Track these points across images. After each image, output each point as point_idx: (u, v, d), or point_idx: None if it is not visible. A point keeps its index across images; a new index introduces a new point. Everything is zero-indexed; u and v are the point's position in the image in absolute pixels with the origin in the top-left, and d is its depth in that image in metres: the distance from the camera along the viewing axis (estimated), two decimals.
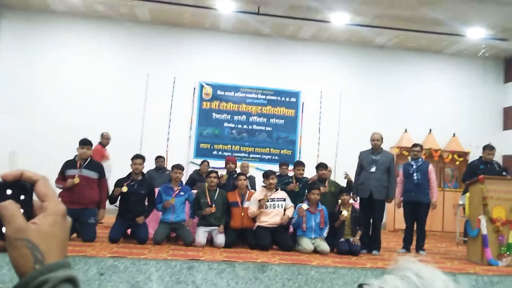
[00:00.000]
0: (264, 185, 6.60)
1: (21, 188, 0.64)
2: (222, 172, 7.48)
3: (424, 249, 6.65)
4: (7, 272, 4.36)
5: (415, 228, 6.77)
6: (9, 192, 0.63)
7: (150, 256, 4.98)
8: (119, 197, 6.15)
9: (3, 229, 0.61)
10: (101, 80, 10.47)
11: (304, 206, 6.24)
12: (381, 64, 11.42)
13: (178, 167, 6.55)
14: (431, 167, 6.80)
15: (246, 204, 6.47)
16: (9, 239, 0.61)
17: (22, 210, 0.62)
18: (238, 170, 7.76)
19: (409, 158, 7.29)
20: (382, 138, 6.69)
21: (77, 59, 10.48)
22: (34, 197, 0.65)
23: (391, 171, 6.57)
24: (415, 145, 6.99)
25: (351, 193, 6.61)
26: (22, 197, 0.63)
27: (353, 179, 6.85)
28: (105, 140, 8.42)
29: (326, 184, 6.87)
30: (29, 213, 0.63)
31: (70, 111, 10.13)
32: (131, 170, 6.29)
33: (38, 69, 10.29)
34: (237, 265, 4.86)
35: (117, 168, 6.84)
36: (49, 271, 0.59)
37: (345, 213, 6.25)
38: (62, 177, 5.89)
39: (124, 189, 6.07)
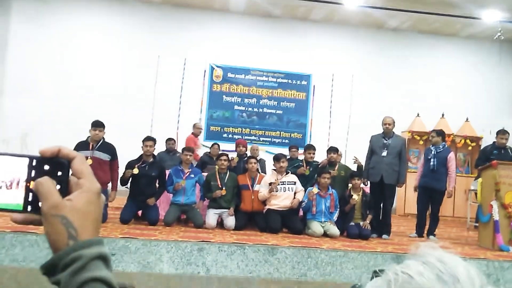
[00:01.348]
0: (275, 168, 6.59)
1: (58, 164, 0.65)
2: (233, 155, 7.48)
3: (435, 234, 6.63)
4: (20, 251, 4.42)
5: (427, 213, 6.75)
6: (46, 167, 0.65)
7: (161, 238, 5.01)
8: (130, 179, 6.18)
9: (40, 204, 0.63)
10: (112, 62, 10.46)
11: (315, 189, 6.23)
12: (394, 47, 11.26)
13: (189, 149, 6.57)
14: (451, 155, 6.69)
15: (256, 187, 6.48)
16: (44, 215, 0.62)
17: (58, 187, 0.64)
18: (248, 153, 7.76)
19: (425, 142, 7.23)
20: (394, 122, 6.62)
21: (87, 41, 10.46)
22: (70, 174, 0.66)
23: (402, 155, 6.52)
24: (432, 130, 6.95)
25: (362, 178, 6.58)
26: (59, 173, 0.65)
27: (363, 164, 6.82)
28: (197, 130, 8.91)
29: (336, 168, 6.83)
30: (65, 189, 0.64)
31: (81, 94, 10.16)
32: (142, 152, 6.31)
33: (48, 52, 10.30)
34: (247, 247, 4.88)
35: (128, 150, 6.86)
36: (82, 247, 0.60)
37: (355, 197, 6.23)
38: None
39: (135, 171, 6.10)
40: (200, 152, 8.75)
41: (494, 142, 7.39)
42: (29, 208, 0.65)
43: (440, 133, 6.88)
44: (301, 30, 11.06)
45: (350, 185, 6.55)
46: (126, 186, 6.32)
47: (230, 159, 6.88)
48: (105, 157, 6.01)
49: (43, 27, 10.37)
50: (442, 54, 11.42)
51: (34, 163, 0.65)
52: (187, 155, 6.47)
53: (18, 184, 0.65)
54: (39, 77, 10.17)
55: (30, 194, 0.64)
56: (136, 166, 6.16)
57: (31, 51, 10.25)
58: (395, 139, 6.57)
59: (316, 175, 6.57)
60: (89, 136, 6.07)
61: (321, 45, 11.05)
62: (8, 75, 10.16)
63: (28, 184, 0.65)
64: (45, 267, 0.61)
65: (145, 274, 4.55)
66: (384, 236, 6.42)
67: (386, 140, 6.52)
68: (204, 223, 6.16)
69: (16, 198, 0.65)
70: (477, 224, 7.19)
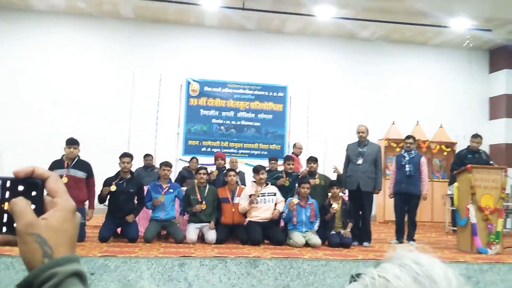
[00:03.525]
0: (254, 180, 6.58)
1: (33, 184, 0.65)
2: (212, 169, 7.45)
3: (414, 240, 6.70)
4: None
5: (405, 219, 6.81)
6: (20, 188, 0.65)
7: (141, 254, 4.94)
8: (108, 196, 6.09)
9: (14, 225, 0.63)
10: (86, 79, 10.34)
11: (295, 200, 6.24)
12: (367, 57, 11.45)
13: (166, 164, 6.51)
14: (423, 160, 6.85)
15: (236, 200, 6.45)
16: (19, 234, 0.62)
17: (33, 206, 0.64)
18: (227, 166, 7.74)
19: (401, 150, 7.31)
20: (367, 130, 6.72)
21: (60, 58, 10.33)
22: (45, 193, 0.67)
23: (378, 162, 6.61)
24: (408, 137, 7.03)
25: (341, 186, 6.62)
26: (33, 193, 0.65)
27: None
28: (297, 150, 8.72)
29: (316, 177, 6.87)
30: (40, 209, 0.65)
31: (56, 111, 10.00)
32: (119, 169, 6.23)
33: (21, 69, 10.13)
34: (229, 260, 4.84)
35: (105, 167, 6.77)
36: (57, 265, 0.60)
37: (335, 206, 6.26)
38: None
39: (113, 188, 6.02)
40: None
41: (468, 146, 7.55)
42: (4, 229, 0.65)
43: (415, 139, 7.05)
44: (276, 42, 11.17)
45: (329, 194, 6.58)
46: (104, 203, 6.22)
47: (209, 172, 6.85)
48: (81, 174, 5.91)
49: (14, 44, 10.21)
50: (414, 62, 11.66)
51: (8, 184, 0.66)
52: (165, 170, 6.42)
53: None
54: (11, 95, 9.99)
55: (5, 215, 0.65)
56: (114, 183, 6.08)
57: (2, 69, 10.07)
58: (370, 147, 6.65)
59: (296, 186, 6.59)
60: (64, 154, 5.97)
61: (296, 56, 11.16)
62: None
63: (2, 206, 0.65)
64: (21, 285, 0.61)
65: None
66: (365, 243, 6.46)
67: (361, 148, 6.61)
68: (184, 238, 6.09)
69: None
70: (455, 228, 7.29)
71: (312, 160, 7.02)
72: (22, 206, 0.63)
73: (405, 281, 0.64)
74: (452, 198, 7.15)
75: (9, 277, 4.32)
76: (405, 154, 6.83)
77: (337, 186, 6.47)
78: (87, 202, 6.00)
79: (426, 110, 11.20)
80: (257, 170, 6.57)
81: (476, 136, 7.40)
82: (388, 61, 11.54)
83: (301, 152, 8.76)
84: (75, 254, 0.64)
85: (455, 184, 6.61)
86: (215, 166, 7.66)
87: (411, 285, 0.63)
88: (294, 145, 8.91)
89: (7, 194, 0.65)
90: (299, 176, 6.92)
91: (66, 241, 0.64)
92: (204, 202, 6.28)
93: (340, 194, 6.57)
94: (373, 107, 11.01)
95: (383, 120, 10.72)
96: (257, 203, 6.32)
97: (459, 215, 6.43)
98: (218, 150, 10.14)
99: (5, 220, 0.65)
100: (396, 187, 6.79)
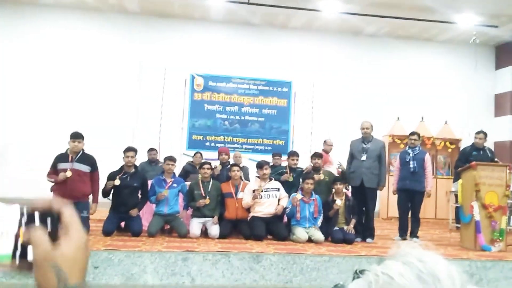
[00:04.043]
0: (258, 175, 6.58)
1: (49, 216, 0.70)
2: (216, 164, 7.45)
3: (418, 236, 6.69)
4: None
5: (409, 215, 6.81)
6: (37, 219, 0.69)
7: (145, 249, 4.96)
8: (112, 190, 6.11)
9: (29, 252, 0.68)
10: (92, 73, 10.35)
11: (298, 196, 6.24)
12: (373, 53, 11.40)
13: (170, 159, 6.52)
14: (427, 156, 6.81)
15: (240, 195, 6.46)
16: (36, 263, 0.67)
17: (48, 236, 0.68)
18: (231, 161, 7.74)
19: (405, 146, 7.29)
20: (372, 127, 6.69)
21: (67, 53, 10.34)
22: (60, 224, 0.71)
23: (381, 158, 6.60)
24: (412, 133, 6.98)
25: (344, 182, 6.62)
26: (49, 224, 0.69)
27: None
28: (328, 147, 8.49)
29: (321, 173, 6.87)
30: (55, 238, 0.69)
31: (60, 105, 10.03)
32: (123, 163, 6.24)
33: (27, 63, 10.16)
34: (232, 255, 4.86)
35: (109, 161, 6.79)
36: None
37: (338, 202, 6.25)
38: (54, 170, 5.82)
39: (117, 182, 6.04)
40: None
41: (473, 143, 7.52)
42: (18, 255, 0.68)
43: (419, 135, 7.02)
44: (281, 37, 11.13)
45: (333, 190, 6.57)
46: (108, 197, 6.24)
47: (213, 167, 6.85)
48: (85, 168, 5.92)
49: (20, 39, 10.23)
50: (420, 58, 11.61)
51: (24, 211, 0.69)
52: (169, 165, 6.43)
53: (7, 232, 0.68)
54: (16, 89, 10.02)
55: (19, 242, 0.68)
56: (118, 177, 6.09)
57: (9, 63, 10.10)
58: (374, 143, 6.64)
59: (300, 181, 6.58)
60: (68, 148, 5.98)
61: (301, 52, 11.13)
62: None
63: (18, 232, 0.68)
64: None
65: (129, 286, 4.48)
66: (368, 239, 6.46)
67: (365, 145, 6.60)
68: (188, 232, 6.11)
69: (5, 246, 0.67)
70: (458, 225, 7.28)
71: (317, 156, 7.01)
72: (39, 236, 0.67)
73: (409, 278, 0.64)
74: (456, 195, 7.13)
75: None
76: (409, 151, 6.81)
77: (341, 182, 6.47)
78: (91, 196, 6.02)
79: (431, 106, 11.15)
80: (260, 165, 6.57)
81: (478, 133, 7.38)
82: (393, 57, 11.48)
83: (331, 149, 8.46)
84: (86, 282, 0.69)
85: (460, 181, 6.59)
86: (218, 161, 7.66)
87: (414, 282, 0.63)
88: (325, 141, 8.61)
89: (23, 221, 0.68)
90: (303, 172, 6.92)
91: (78, 269, 0.68)
92: (207, 197, 6.29)
93: (344, 190, 6.56)
94: (377, 103, 10.97)
95: (388, 116, 10.68)
96: (260, 198, 6.33)
97: (463, 212, 6.41)
98: (222, 145, 10.14)
99: (19, 247, 0.68)
100: (400, 184, 6.77)
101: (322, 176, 6.78)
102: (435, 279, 0.63)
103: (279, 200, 6.46)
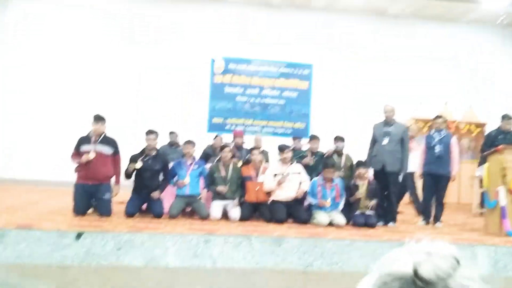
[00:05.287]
0: (279, 158, 6.54)
1: None
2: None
3: (441, 221, 6.60)
4: (25, 247, 4.41)
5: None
6: None
7: (166, 231, 4.99)
8: (134, 172, 6.16)
9: None
10: (112, 57, 10.40)
11: (327, 203, 6.15)
12: (396, 34, 11.16)
13: (189, 142, 6.54)
14: (454, 140, 6.66)
15: (260, 178, 6.44)
16: None
17: None
18: (246, 144, 7.73)
19: (429, 130, 7.13)
20: (394, 110, 6.57)
21: (92, 33, 10.39)
22: None
23: (404, 142, 6.48)
24: (438, 116, 6.82)
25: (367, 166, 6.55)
26: None
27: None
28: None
29: (344, 157, 6.83)
30: None
31: (82, 89, 10.12)
32: (145, 146, 6.28)
33: (42, 48, 10.25)
34: (253, 238, 4.85)
35: (130, 144, 6.84)
36: None
37: (360, 189, 6.20)
38: (77, 152, 5.90)
39: (138, 164, 6.07)
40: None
41: (499, 127, 7.34)
42: None
43: (445, 118, 6.85)
44: (302, 18, 10.97)
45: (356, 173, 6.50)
46: (130, 179, 6.29)
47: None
48: (108, 150, 5.98)
49: (32, 25, 10.31)
50: (444, 40, 11.32)
51: None
52: (188, 148, 6.44)
53: None
54: (33, 75, 10.13)
55: None
56: (139, 159, 6.13)
57: (28, 55, 10.20)
58: (396, 126, 6.52)
59: (321, 166, 6.53)
60: (90, 131, 6.04)
61: (322, 33, 10.96)
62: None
63: None
64: None
65: (151, 268, 4.53)
66: (390, 224, 6.39)
67: (387, 128, 6.48)
68: (209, 214, 6.13)
69: None
70: (483, 210, 7.14)
71: (339, 139, 6.94)
72: None
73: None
74: (481, 180, 6.98)
75: (38, 250, 4.42)
76: (435, 135, 6.66)
77: (364, 167, 6.39)
78: (113, 178, 6.08)
79: (455, 89, 10.91)
80: (282, 149, 6.52)
81: (508, 118, 7.18)
82: (418, 38, 11.23)
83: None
84: None
85: (485, 165, 6.44)
86: (233, 144, 7.64)
87: None
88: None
89: None
90: (325, 156, 6.85)
91: None
92: (226, 185, 6.29)
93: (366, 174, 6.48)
94: (401, 86, 10.77)
95: (412, 99, 10.48)
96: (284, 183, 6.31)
97: (488, 197, 6.28)
98: (243, 128, 10.12)
99: None
100: (426, 168, 6.66)
101: (311, 162, 6.76)
102: None
103: (300, 183, 6.42)
